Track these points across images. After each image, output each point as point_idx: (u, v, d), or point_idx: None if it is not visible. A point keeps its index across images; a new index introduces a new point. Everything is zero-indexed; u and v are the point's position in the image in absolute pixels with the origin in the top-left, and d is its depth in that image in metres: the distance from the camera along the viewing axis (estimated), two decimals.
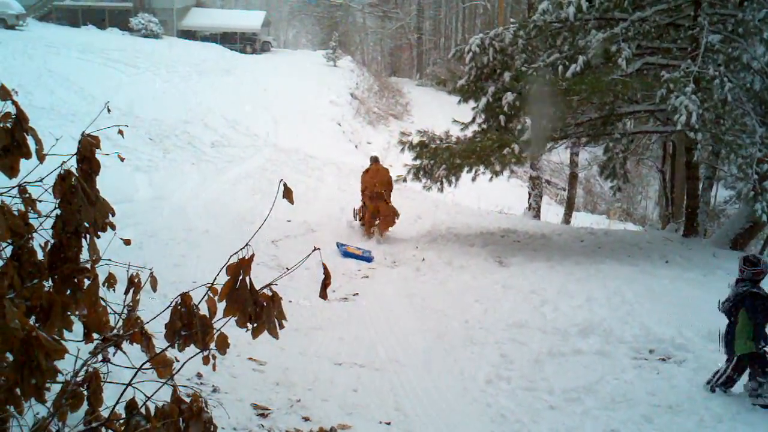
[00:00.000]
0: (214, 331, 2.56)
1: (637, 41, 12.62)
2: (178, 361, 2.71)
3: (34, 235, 2.62)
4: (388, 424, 5.58)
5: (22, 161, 2.57)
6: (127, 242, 3.22)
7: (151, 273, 2.90)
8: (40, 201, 2.70)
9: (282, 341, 6.16)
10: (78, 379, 2.60)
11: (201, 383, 5.50)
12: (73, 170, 2.57)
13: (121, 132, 3.15)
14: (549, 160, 29.21)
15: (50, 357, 2.29)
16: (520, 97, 12.40)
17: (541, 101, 11.97)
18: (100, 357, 2.76)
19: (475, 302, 9.37)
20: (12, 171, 2.52)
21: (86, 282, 2.65)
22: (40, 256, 2.64)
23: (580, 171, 25.21)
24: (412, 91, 49.71)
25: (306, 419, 5.43)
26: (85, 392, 2.59)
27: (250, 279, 2.52)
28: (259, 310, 2.51)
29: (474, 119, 14.01)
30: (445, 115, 20.00)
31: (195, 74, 31.89)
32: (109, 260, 2.82)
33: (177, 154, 20.26)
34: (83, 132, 2.62)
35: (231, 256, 2.50)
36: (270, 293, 2.57)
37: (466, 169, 13.30)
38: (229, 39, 46.80)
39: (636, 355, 7.40)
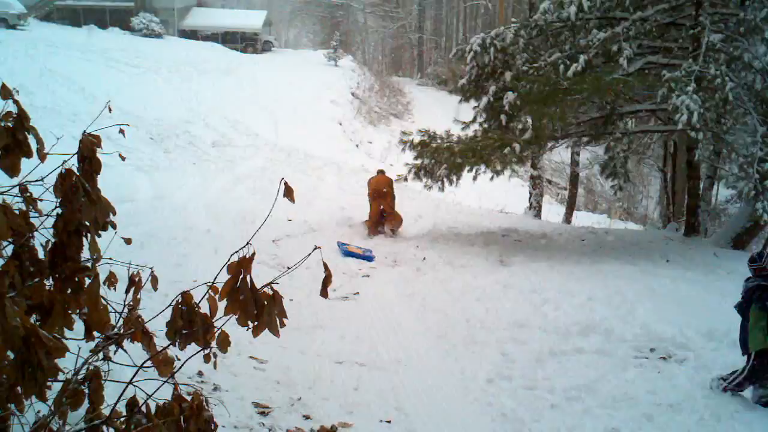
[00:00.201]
0: (215, 329, 2.57)
1: (639, 40, 12.61)
2: (179, 359, 2.72)
3: (35, 234, 2.63)
4: (389, 422, 5.58)
5: (24, 160, 2.57)
6: (128, 241, 3.23)
7: (152, 272, 2.91)
8: (41, 200, 2.70)
9: (283, 340, 6.18)
10: (79, 377, 2.61)
11: (202, 382, 5.50)
12: (74, 169, 2.57)
13: (122, 131, 3.16)
14: (550, 159, 29.25)
15: (51, 355, 2.29)
16: (521, 96, 12.40)
17: (542, 101, 11.97)
18: (101, 355, 2.76)
19: (476, 301, 9.37)
20: (13, 170, 2.53)
21: (87, 281, 2.66)
22: (41, 255, 2.64)
23: (581, 170, 25.19)
24: (413, 90, 49.77)
25: (307, 418, 5.44)
26: (86, 390, 2.60)
27: (251, 277, 2.52)
28: (260, 308, 2.51)
29: (475, 119, 14.02)
30: (446, 114, 20.06)
31: (196, 74, 31.92)
32: (110, 259, 2.83)
33: (178, 154, 20.29)
34: (84, 131, 2.63)
35: (232, 254, 2.51)
36: (271, 292, 2.58)
37: (467, 168, 13.31)
38: (231, 39, 46.86)
39: (637, 354, 7.40)
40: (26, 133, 2.50)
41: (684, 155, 16.04)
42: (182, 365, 2.70)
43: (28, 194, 2.67)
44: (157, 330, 2.73)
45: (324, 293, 2.70)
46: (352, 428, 5.34)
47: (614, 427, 5.68)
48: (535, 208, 21.82)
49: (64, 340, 2.51)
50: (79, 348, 2.68)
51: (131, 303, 2.82)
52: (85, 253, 2.66)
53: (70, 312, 2.64)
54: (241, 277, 2.51)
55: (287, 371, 6.45)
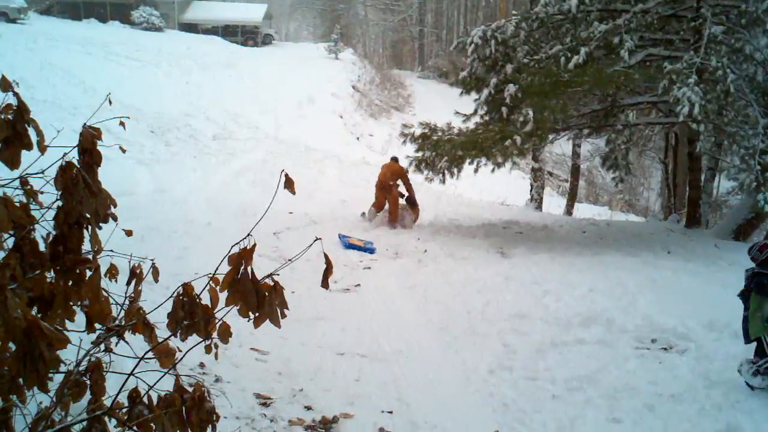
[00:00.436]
0: (217, 320, 2.57)
1: (640, 33, 12.58)
2: (180, 351, 2.72)
3: (36, 226, 2.63)
4: (390, 413, 5.59)
5: (24, 153, 2.57)
6: (128, 233, 3.23)
7: (153, 264, 2.91)
8: (42, 192, 2.70)
9: (284, 332, 6.19)
10: (80, 368, 2.61)
11: (204, 373, 5.52)
12: (75, 162, 2.57)
13: (122, 123, 3.16)
14: (551, 151, 29.19)
15: (53, 347, 2.29)
16: (522, 88, 12.37)
17: (543, 93, 11.95)
18: (102, 347, 2.77)
19: (477, 293, 9.38)
20: (13, 163, 2.52)
21: (88, 273, 2.66)
22: (42, 247, 2.64)
23: (583, 162, 25.20)
24: (414, 83, 49.69)
25: (308, 408, 5.46)
26: (88, 382, 2.60)
27: (251, 269, 2.53)
28: (261, 299, 2.51)
29: (476, 111, 14.00)
30: (447, 107, 20.00)
31: (196, 67, 31.87)
32: (111, 251, 2.83)
33: (179, 147, 20.30)
34: (84, 124, 2.63)
35: (233, 246, 2.51)
36: (272, 283, 2.58)
37: (468, 160, 13.30)
38: (231, 32, 46.72)
39: (638, 345, 7.41)
40: (26, 125, 2.50)
41: (685, 147, 16.02)
42: (183, 356, 2.70)
43: (29, 187, 2.68)
44: (159, 322, 2.73)
45: (325, 284, 2.70)
46: (353, 419, 5.36)
47: (615, 418, 5.70)
48: (536, 200, 21.82)
49: (65, 332, 2.52)
50: (81, 340, 2.69)
51: (132, 295, 2.82)
52: (86, 246, 2.67)
53: (71, 304, 2.65)
54: (242, 268, 2.51)
55: (288, 363, 6.47)
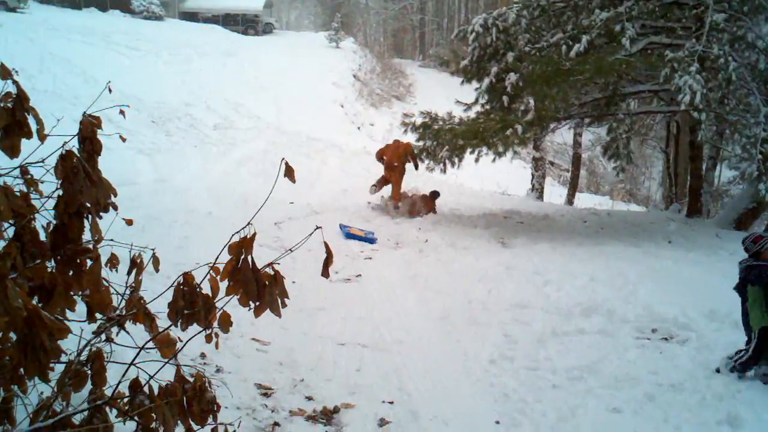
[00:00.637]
0: (217, 309, 2.57)
1: (641, 20, 12.50)
2: (181, 340, 2.72)
3: (37, 215, 2.63)
4: (391, 403, 5.60)
5: (24, 142, 2.56)
6: (129, 222, 3.23)
7: (154, 253, 2.91)
8: (42, 181, 2.70)
9: (285, 322, 6.20)
10: (81, 358, 2.62)
11: (205, 363, 5.53)
12: (75, 151, 2.56)
13: (122, 112, 3.15)
14: (552, 140, 29.15)
15: (54, 336, 2.30)
16: (523, 77, 12.33)
17: (544, 82, 11.90)
18: (103, 337, 2.77)
19: (478, 283, 9.38)
20: (13, 151, 2.52)
21: (89, 262, 2.66)
22: (42, 236, 2.64)
23: (584, 152, 25.13)
24: (415, 72, 49.50)
25: (309, 399, 5.47)
26: (89, 371, 2.61)
27: (252, 258, 2.52)
28: (261, 288, 2.51)
29: (477, 100, 13.95)
30: (448, 96, 19.97)
31: (197, 56, 31.76)
32: (112, 240, 2.83)
33: (179, 137, 20.26)
34: (84, 112, 2.62)
35: (233, 235, 2.51)
36: (272, 272, 2.58)
37: (469, 150, 13.26)
38: (231, 21, 46.56)
39: (639, 335, 7.41)
40: (26, 113, 2.49)
41: (687, 136, 15.99)
42: (184, 345, 2.70)
43: (29, 176, 2.67)
44: (159, 311, 2.73)
45: (325, 273, 2.70)
46: (354, 409, 5.37)
47: (616, 407, 5.70)
48: (538, 190, 21.79)
49: (66, 322, 2.52)
50: (82, 329, 2.69)
51: (133, 284, 2.82)
52: (87, 235, 2.66)
53: (72, 293, 2.65)
54: (242, 257, 2.51)
55: (290, 353, 6.48)
